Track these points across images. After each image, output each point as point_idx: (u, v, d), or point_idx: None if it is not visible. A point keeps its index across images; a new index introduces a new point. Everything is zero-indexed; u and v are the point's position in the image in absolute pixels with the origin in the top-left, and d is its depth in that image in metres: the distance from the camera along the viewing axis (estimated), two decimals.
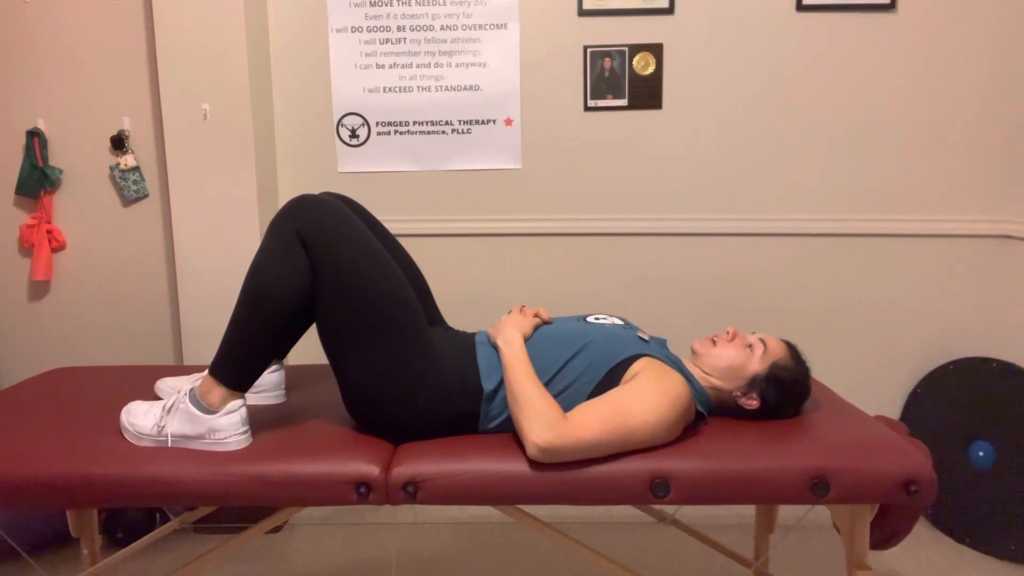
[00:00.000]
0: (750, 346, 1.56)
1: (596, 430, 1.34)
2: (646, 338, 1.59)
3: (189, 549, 2.30)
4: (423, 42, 2.47)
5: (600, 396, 1.41)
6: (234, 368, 1.43)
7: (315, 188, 2.57)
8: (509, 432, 1.51)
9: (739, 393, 1.55)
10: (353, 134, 2.53)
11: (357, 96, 2.51)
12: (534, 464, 1.36)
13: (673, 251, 2.55)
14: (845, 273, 2.53)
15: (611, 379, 1.46)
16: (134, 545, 1.93)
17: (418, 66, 2.48)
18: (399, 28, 2.47)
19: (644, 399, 1.38)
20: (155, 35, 2.30)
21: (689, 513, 2.50)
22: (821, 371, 2.60)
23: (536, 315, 1.62)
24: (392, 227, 2.47)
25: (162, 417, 1.44)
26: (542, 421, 1.34)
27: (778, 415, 1.57)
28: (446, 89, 2.49)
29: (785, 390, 1.54)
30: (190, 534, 2.39)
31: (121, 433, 1.49)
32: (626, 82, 2.46)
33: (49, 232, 2.51)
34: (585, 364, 1.49)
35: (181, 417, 1.43)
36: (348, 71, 2.50)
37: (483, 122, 2.51)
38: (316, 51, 2.50)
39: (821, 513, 2.47)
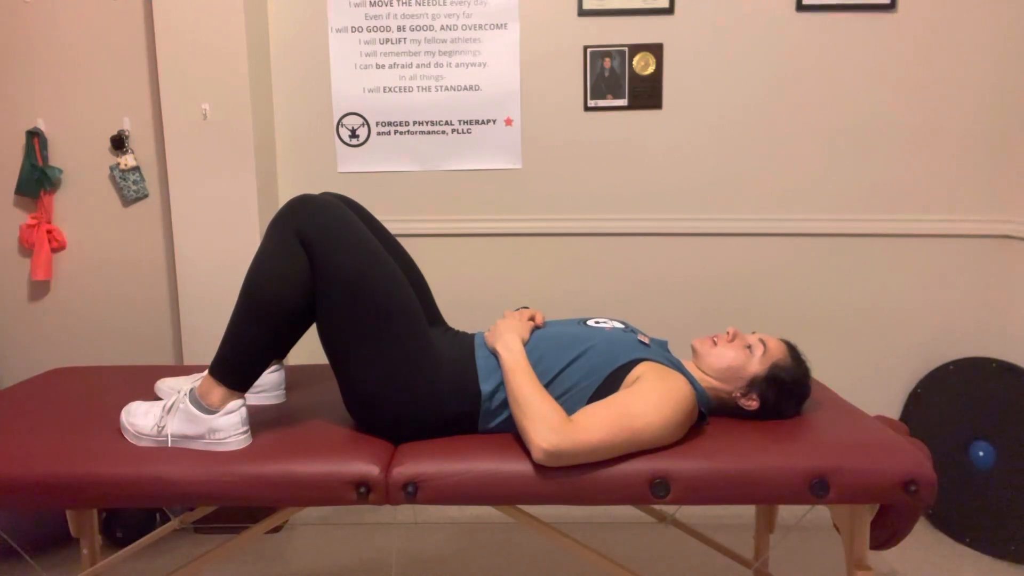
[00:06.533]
0: (749, 347, 1.56)
1: (601, 433, 1.33)
2: (647, 341, 1.58)
3: (189, 549, 2.30)
4: (423, 42, 2.47)
5: (604, 399, 1.40)
6: (234, 368, 1.43)
7: (315, 188, 2.57)
8: (509, 432, 1.51)
9: (739, 394, 1.55)
10: (353, 134, 2.53)
11: (357, 96, 2.51)
12: (534, 464, 1.36)
13: (673, 251, 2.55)
14: (845, 273, 2.53)
15: (611, 383, 1.45)
16: (134, 545, 1.93)
17: (418, 66, 2.49)
18: (399, 28, 2.47)
19: (648, 401, 1.37)
20: (155, 35, 2.30)
21: (689, 513, 2.50)
22: (821, 371, 2.60)
23: (531, 319, 1.62)
24: (392, 227, 2.47)
25: (162, 417, 1.44)
26: (546, 425, 1.33)
27: (778, 415, 1.57)
28: (446, 89, 2.49)
29: (785, 391, 1.54)
30: (190, 534, 2.39)
31: (121, 433, 1.49)
32: (626, 82, 2.46)
33: (49, 232, 2.50)
34: (585, 368, 1.48)
35: (181, 417, 1.43)
36: (348, 71, 2.50)
37: (483, 122, 2.51)
38: (316, 51, 2.50)
39: (821, 513, 2.47)
